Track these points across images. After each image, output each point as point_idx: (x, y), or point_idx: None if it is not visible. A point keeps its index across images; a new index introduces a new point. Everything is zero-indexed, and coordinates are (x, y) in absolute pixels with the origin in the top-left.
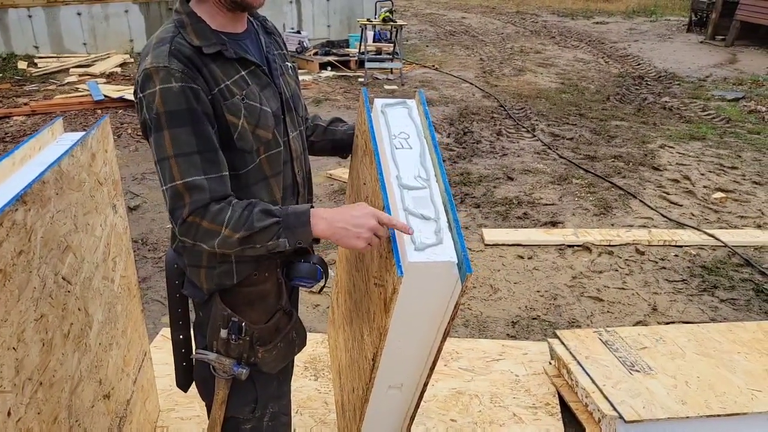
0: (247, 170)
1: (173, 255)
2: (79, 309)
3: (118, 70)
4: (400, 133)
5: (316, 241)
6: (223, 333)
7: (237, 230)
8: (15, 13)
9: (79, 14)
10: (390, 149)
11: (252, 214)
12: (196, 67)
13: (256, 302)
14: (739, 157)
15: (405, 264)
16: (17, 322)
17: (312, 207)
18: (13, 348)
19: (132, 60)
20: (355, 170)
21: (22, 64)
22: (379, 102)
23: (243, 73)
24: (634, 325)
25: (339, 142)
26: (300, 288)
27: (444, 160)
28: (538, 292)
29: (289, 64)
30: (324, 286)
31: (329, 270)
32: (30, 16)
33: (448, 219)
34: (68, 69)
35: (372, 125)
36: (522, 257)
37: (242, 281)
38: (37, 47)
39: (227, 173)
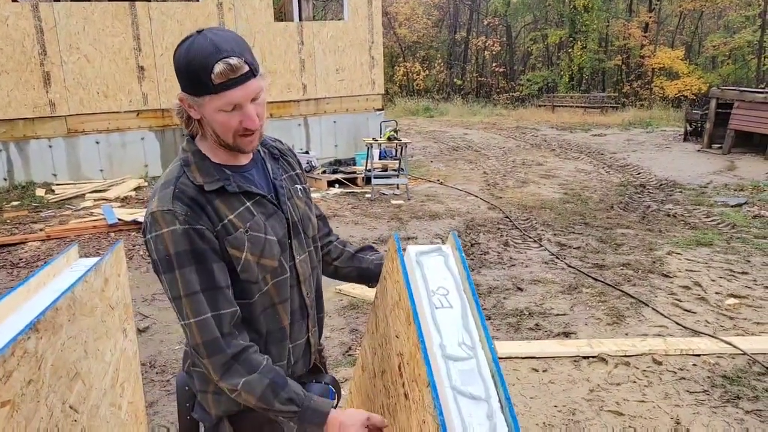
0: (254, 300)
1: (184, 377)
2: None
3: (133, 194)
4: (439, 288)
5: None
6: None
7: (253, 396)
8: (36, 143)
9: (97, 143)
10: (430, 309)
11: (278, 396)
12: (200, 205)
13: (264, 427)
14: (749, 262)
15: None
16: None
17: (333, 407)
18: None
19: (146, 184)
20: (382, 311)
21: (40, 192)
22: (413, 250)
23: (248, 204)
24: None
25: (365, 271)
26: None
27: None
28: (555, 406)
29: (299, 186)
30: (336, 407)
31: (341, 389)
32: (50, 146)
33: (498, 396)
34: (84, 194)
35: (407, 279)
36: (536, 370)
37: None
38: (55, 175)
39: (231, 310)
